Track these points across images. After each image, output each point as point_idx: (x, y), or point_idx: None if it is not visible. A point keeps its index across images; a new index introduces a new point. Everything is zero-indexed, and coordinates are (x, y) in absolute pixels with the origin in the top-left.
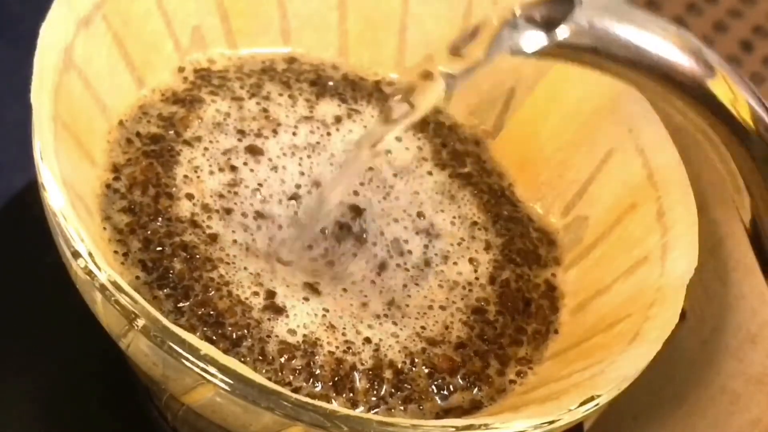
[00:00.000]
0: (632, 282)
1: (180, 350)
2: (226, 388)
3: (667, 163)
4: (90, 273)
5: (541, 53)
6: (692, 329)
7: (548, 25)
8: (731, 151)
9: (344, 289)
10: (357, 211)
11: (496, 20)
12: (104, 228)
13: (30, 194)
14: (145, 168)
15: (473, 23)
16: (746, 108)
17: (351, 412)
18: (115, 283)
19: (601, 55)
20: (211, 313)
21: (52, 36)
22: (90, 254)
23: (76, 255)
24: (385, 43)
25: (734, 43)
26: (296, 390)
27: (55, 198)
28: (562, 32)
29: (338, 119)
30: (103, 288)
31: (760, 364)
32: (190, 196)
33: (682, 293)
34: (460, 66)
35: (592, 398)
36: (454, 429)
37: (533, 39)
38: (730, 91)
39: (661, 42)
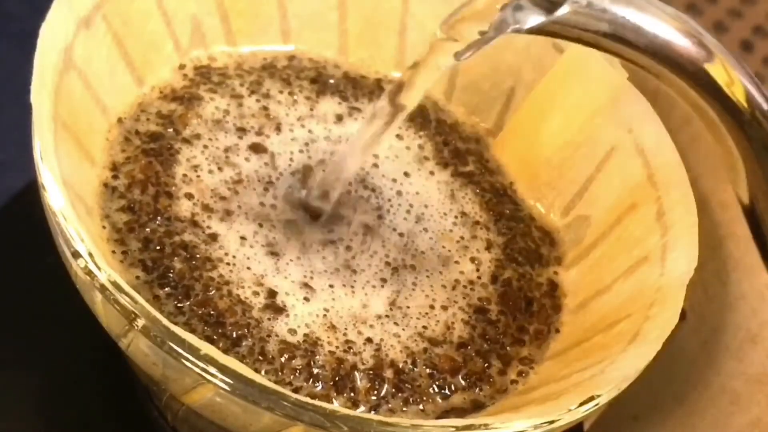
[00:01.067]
0: (632, 282)
1: (180, 350)
2: (226, 388)
3: (667, 163)
4: (90, 273)
5: (541, 30)
6: (692, 329)
7: (549, 7)
8: (727, 132)
9: (345, 289)
10: (357, 209)
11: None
12: (103, 227)
13: (30, 194)
14: (144, 166)
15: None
16: (742, 91)
17: (351, 412)
18: (115, 283)
19: (599, 34)
20: (212, 312)
21: (52, 36)
22: (90, 254)
23: (76, 255)
24: (385, 44)
25: (734, 43)
26: (297, 390)
27: (55, 198)
28: (563, 10)
29: (339, 117)
30: (103, 288)
31: (760, 364)
32: (189, 195)
33: (682, 293)
34: (459, 47)
35: (592, 398)
36: (453, 429)
37: (534, 18)
38: (727, 75)
39: (659, 24)
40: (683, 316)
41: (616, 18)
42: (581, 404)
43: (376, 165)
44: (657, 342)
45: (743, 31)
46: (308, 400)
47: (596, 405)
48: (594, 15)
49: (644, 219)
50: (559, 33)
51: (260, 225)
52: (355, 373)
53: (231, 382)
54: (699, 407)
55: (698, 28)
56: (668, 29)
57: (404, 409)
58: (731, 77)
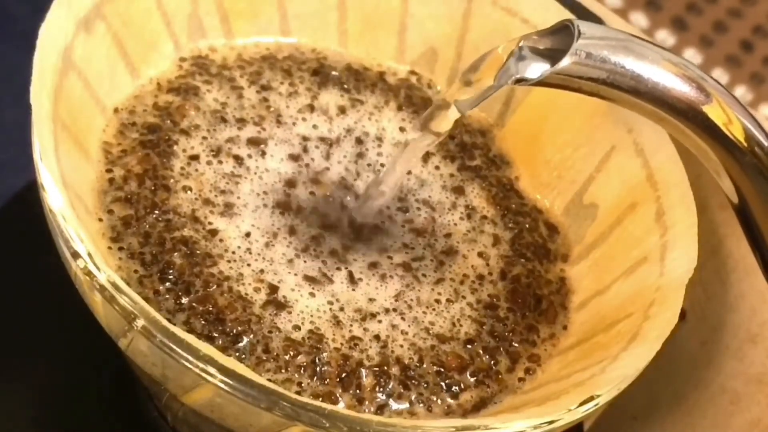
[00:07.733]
0: (632, 282)
1: (179, 350)
2: (226, 388)
3: (666, 163)
4: (89, 273)
5: (544, 82)
6: (692, 329)
7: (551, 55)
8: (727, 169)
9: (351, 284)
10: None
11: (503, 51)
12: (100, 219)
13: (30, 194)
14: (142, 159)
15: (482, 53)
16: (740, 129)
17: (350, 412)
18: (114, 284)
19: (600, 83)
20: (211, 309)
21: (52, 36)
22: (89, 255)
23: (76, 255)
24: (385, 44)
25: (734, 43)
26: (301, 387)
27: (55, 198)
28: (564, 62)
29: (342, 109)
30: (102, 288)
31: (760, 364)
32: (187, 188)
33: (682, 293)
34: (471, 95)
35: (591, 398)
36: (453, 429)
37: (536, 68)
38: (725, 115)
39: (658, 70)
40: (683, 316)
41: (615, 67)
42: (581, 404)
43: (382, 164)
44: (657, 342)
45: (743, 31)
46: (308, 400)
47: (596, 405)
48: (594, 65)
49: (644, 219)
50: (561, 84)
51: (260, 218)
52: (361, 370)
53: (230, 382)
54: (699, 407)
55: (696, 71)
56: (667, 75)
57: (410, 407)
58: (729, 117)
